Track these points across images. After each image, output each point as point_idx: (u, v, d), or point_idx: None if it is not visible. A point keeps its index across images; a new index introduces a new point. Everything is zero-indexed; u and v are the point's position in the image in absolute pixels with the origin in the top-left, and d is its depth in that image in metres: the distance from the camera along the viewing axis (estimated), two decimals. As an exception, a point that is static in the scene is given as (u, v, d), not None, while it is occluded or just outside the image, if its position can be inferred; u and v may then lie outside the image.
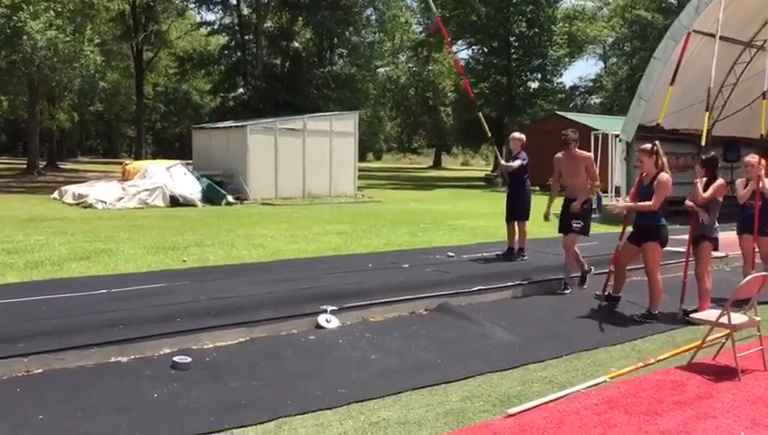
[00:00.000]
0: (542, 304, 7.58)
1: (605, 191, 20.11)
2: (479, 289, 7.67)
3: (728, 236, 8.52)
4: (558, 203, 8.69)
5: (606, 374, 5.27)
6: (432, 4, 13.23)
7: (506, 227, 10.22)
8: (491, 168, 54.29)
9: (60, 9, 27.40)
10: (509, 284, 8.07)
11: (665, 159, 7.05)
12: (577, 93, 66.63)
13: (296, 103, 38.81)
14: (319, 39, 47.37)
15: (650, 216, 6.92)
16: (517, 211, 9.94)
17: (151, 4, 42.28)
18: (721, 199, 7.21)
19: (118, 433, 3.91)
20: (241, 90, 47.51)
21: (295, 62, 45.62)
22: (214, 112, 48.03)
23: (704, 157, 7.42)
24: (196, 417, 4.14)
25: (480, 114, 12.14)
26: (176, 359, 4.95)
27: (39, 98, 38.77)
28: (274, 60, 47.03)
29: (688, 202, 7.30)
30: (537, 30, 43.24)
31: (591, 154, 8.97)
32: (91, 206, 19.07)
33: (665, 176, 6.89)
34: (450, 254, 10.32)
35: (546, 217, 8.79)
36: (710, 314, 5.95)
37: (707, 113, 9.34)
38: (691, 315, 6.38)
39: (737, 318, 5.51)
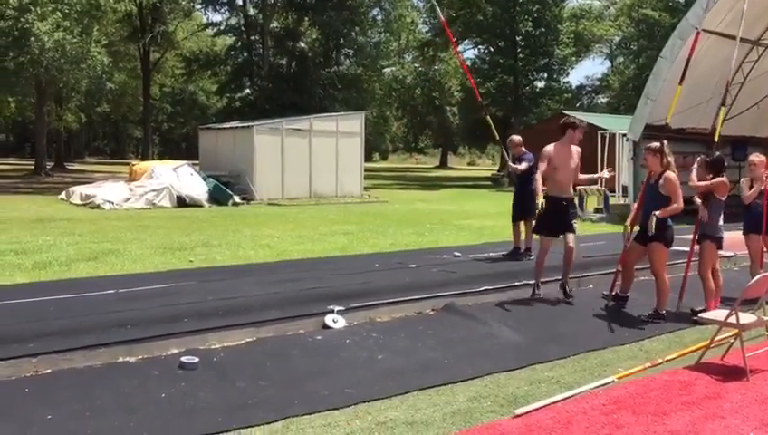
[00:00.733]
0: (550, 303, 7.56)
1: (612, 190, 20.08)
2: (486, 289, 7.66)
3: (735, 236, 8.49)
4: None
5: (614, 374, 5.25)
6: (438, 10, 13.17)
7: (512, 227, 10.19)
8: (497, 167, 54.21)
9: (67, 11, 27.52)
10: (516, 283, 8.05)
11: (671, 158, 7.03)
12: (584, 93, 66.51)
13: (302, 104, 38.84)
14: (325, 39, 47.40)
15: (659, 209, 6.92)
16: (524, 211, 9.83)
17: (158, 5, 42.40)
18: (723, 198, 7.17)
19: (126, 433, 3.92)
20: (247, 90, 47.60)
21: (301, 63, 45.67)
22: (220, 113, 48.11)
23: (708, 158, 7.39)
24: (203, 417, 4.15)
25: (488, 117, 12.10)
26: (183, 359, 4.96)
27: (46, 99, 38.93)
28: (281, 60, 47.09)
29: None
30: (543, 29, 43.20)
31: None
32: (98, 206, 19.14)
33: (671, 174, 6.87)
34: (457, 254, 10.31)
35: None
36: (718, 313, 5.93)
37: (722, 107, 9.28)
38: (699, 315, 6.36)
39: (746, 318, 5.49)
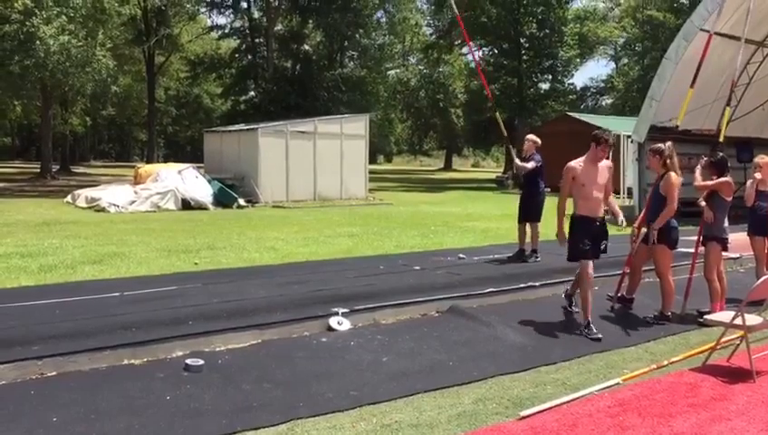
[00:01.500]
0: (554, 305, 7.54)
1: (617, 192, 20.04)
2: (490, 291, 7.65)
3: (741, 238, 8.47)
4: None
5: (619, 376, 5.24)
6: (453, 4, 13.09)
7: (518, 228, 10.19)
8: (502, 169, 54.19)
9: (72, 14, 27.58)
10: (521, 285, 8.04)
11: (675, 160, 7.01)
12: (588, 94, 66.44)
13: (307, 106, 38.90)
14: (329, 42, 47.47)
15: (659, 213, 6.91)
16: (530, 212, 9.93)
17: (163, 8, 42.51)
18: (729, 199, 7.16)
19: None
20: (252, 93, 47.66)
21: (306, 65, 45.74)
22: (225, 116, 48.20)
23: (712, 159, 7.37)
24: (208, 419, 4.15)
25: (497, 114, 12.14)
26: (188, 361, 4.97)
27: (52, 102, 39.05)
28: (285, 63, 47.17)
29: (696, 177, 7.29)
30: (548, 31, 43.18)
31: None
32: (103, 209, 19.17)
33: (671, 176, 6.85)
34: (461, 256, 10.30)
35: (562, 239, 6.76)
36: (724, 315, 5.91)
37: (727, 108, 9.26)
38: (705, 317, 6.34)
39: (752, 319, 5.47)
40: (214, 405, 4.36)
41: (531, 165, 9.79)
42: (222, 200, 20.96)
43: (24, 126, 61.99)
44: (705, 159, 7.54)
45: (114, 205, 19.42)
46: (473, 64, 56.76)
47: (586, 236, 6.48)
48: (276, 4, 44.74)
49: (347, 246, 11.96)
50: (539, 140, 10.12)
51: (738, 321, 5.36)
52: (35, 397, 4.32)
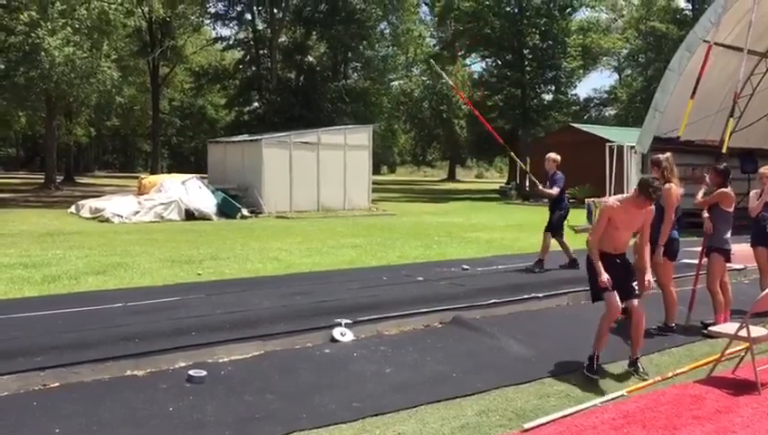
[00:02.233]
0: (558, 316, 7.52)
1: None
2: (494, 302, 7.63)
3: (746, 249, 8.44)
4: None
5: (624, 389, 5.21)
6: (445, 76, 13.26)
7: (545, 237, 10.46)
8: (505, 180, 54.17)
9: (77, 26, 27.74)
10: (524, 296, 8.02)
11: (675, 171, 6.99)
12: (591, 105, 66.54)
13: (310, 117, 38.98)
14: (333, 53, 47.63)
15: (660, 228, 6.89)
16: (548, 223, 10.33)
17: (167, 19, 42.69)
18: (730, 210, 7.14)
19: (133, 447, 3.91)
20: (256, 104, 47.79)
21: (310, 76, 45.87)
22: (229, 126, 48.31)
23: (716, 168, 7.36)
24: (211, 431, 4.14)
25: (492, 129, 12.30)
26: (191, 372, 4.96)
27: (56, 113, 39.21)
28: (289, 74, 47.32)
29: (697, 196, 7.29)
30: (551, 42, 43.26)
31: None
32: (107, 220, 19.20)
33: (668, 186, 6.83)
34: (465, 266, 10.28)
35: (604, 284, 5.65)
36: (729, 326, 5.89)
37: (731, 119, 9.26)
38: (709, 328, 6.32)
39: (757, 331, 5.45)
40: (216, 416, 4.35)
41: (555, 191, 10.15)
42: (225, 211, 20.99)
43: (29, 137, 62.19)
44: (709, 174, 7.52)
45: (118, 215, 19.45)
46: (476, 75, 56.99)
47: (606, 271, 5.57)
48: (280, 15, 44.94)
49: (350, 257, 11.95)
50: (559, 158, 10.39)
51: (743, 332, 5.34)
52: (38, 408, 4.31)
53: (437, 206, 31.41)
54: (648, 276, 5.87)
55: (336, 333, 6.22)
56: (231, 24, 48.79)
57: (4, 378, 4.55)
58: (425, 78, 61.95)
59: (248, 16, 47.21)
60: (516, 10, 42.86)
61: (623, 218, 5.63)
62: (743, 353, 5.64)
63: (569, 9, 43.79)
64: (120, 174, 63.12)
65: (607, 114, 65.48)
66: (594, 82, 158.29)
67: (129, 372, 5.01)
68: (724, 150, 8.21)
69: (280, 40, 45.86)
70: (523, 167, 14.81)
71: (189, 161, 65.73)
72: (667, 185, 6.85)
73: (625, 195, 5.87)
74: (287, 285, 8.67)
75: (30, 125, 49.35)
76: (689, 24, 33.95)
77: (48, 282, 9.17)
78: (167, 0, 37.49)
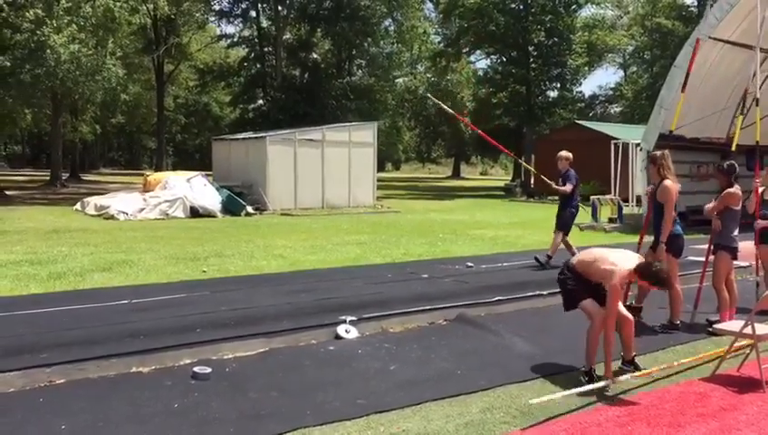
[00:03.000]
0: (563, 314, 7.50)
1: (626, 200, 19.99)
2: (498, 299, 7.64)
3: (751, 246, 8.42)
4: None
5: (628, 385, 5.21)
6: (445, 107, 13.29)
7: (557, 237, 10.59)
8: (510, 177, 54.10)
9: (82, 23, 27.75)
10: (528, 294, 8.02)
11: (671, 167, 6.97)
12: (597, 102, 66.38)
13: (315, 114, 39.00)
14: (337, 50, 47.63)
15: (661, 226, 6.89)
16: (557, 221, 10.60)
17: (172, 17, 42.76)
18: (738, 208, 7.12)
19: (138, 443, 3.93)
20: (260, 101, 47.85)
21: (314, 74, 45.90)
22: (233, 124, 48.39)
23: (720, 165, 7.34)
24: (215, 428, 4.15)
25: (499, 145, 12.62)
26: (196, 369, 4.97)
27: (62, 111, 39.31)
28: (293, 71, 47.35)
29: (707, 206, 7.26)
30: (556, 39, 43.15)
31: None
32: (112, 217, 19.25)
33: (666, 183, 6.82)
34: (469, 264, 10.29)
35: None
36: (734, 324, 5.88)
37: (741, 117, 9.24)
38: (714, 326, 6.30)
39: (762, 329, 5.43)
40: (221, 413, 4.36)
41: (568, 187, 10.39)
42: (230, 208, 21.02)
43: (35, 134, 62.42)
44: (718, 165, 7.49)
45: (123, 212, 19.50)
46: (480, 72, 56.87)
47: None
48: (285, 13, 44.95)
49: (355, 254, 11.96)
50: (571, 156, 10.61)
51: (748, 330, 5.32)
52: (44, 405, 4.33)
53: (442, 203, 31.40)
54: None
55: (340, 330, 6.23)
56: (236, 22, 48.97)
57: (11, 374, 4.57)
58: (429, 75, 61.86)
59: (253, 14, 47.27)
60: (521, 7, 42.76)
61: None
62: (748, 351, 5.63)
63: (574, 6, 43.65)
64: (125, 171, 63.25)
65: (612, 111, 65.33)
66: (599, 79, 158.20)
67: (134, 369, 5.02)
68: (733, 148, 8.18)
69: (284, 37, 45.88)
70: (530, 169, 14.88)
71: (194, 158, 65.85)
72: (663, 182, 6.84)
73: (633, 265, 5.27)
74: (292, 282, 8.69)
75: (36, 123, 49.45)
76: (695, 21, 33.81)
77: (54, 279, 9.20)
78: (172, -3, 37.54)
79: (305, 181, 23.49)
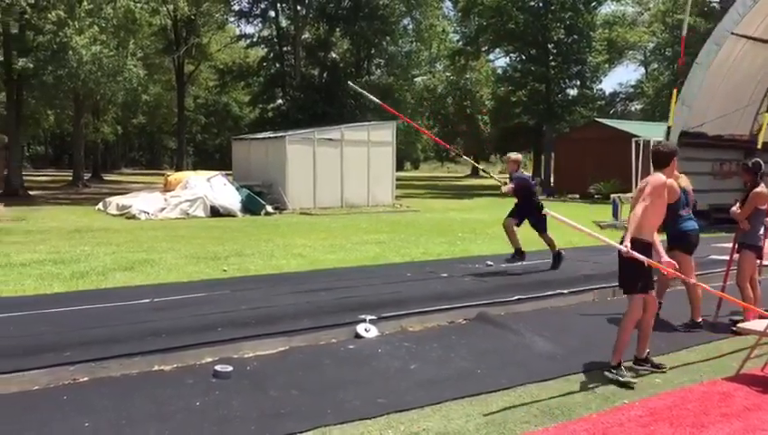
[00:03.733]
0: (583, 313, 7.47)
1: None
2: (518, 298, 7.60)
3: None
4: None
5: (650, 388, 5.16)
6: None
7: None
8: (530, 176, 53.76)
9: (104, 24, 28.01)
10: (549, 293, 7.97)
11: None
12: (617, 100, 65.84)
13: (334, 113, 39.08)
14: (356, 49, 47.67)
15: (674, 222, 6.82)
16: (536, 225, 9.96)
17: (192, 18, 43.02)
18: (764, 207, 7.03)
19: (161, 441, 3.96)
20: (279, 101, 48.02)
21: (333, 73, 45.98)
22: (253, 123, 48.60)
23: (746, 163, 7.25)
24: (237, 425, 4.18)
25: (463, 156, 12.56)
26: (217, 368, 5.01)
27: (84, 111, 39.72)
28: (312, 71, 47.47)
29: (733, 209, 7.16)
30: (576, 36, 42.89)
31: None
32: (134, 216, 19.41)
33: (671, 181, 6.65)
34: (489, 263, 10.26)
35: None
36: (758, 323, 5.81)
37: (766, 114, 9.14)
38: (738, 325, 6.23)
39: (786, 328, 5.37)
40: (242, 411, 4.39)
41: (508, 188, 9.91)
42: (250, 207, 21.11)
43: (57, 135, 63.17)
44: (742, 163, 7.39)
45: (144, 212, 19.66)
46: (500, 71, 56.62)
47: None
48: (304, 12, 45.09)
49: (374, 253, 11.96)
50: (520, 157, 10.31)
51: (772, 330, 5.26)
52: (68, 402, 4.38)
53: (461, 202, 31.32)
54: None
55: (360, 329, 6.24)
56: (255, 22, 49.16)
57: (35, 372, 4.63)
58: (448, 74, 61.71)
59: (272, 14, 47.44)
60: (540, 4, 42.55)
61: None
62: (772, 351, 5.57)
63: (594, 3, 43.37)
64: (146, 171, 63.77)
65: (633, 109, 64.75)
66: (620, 77, 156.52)
67: (156, 368, 5.06)
68: (759, 146, 8.08)
69: (303, 37, 46.01)
70: (475, 164, 14.72)
71: (214, 158, 66.25)
72: (670, 180, 6.74)
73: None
74: (311, 281, 8.71)
75: (58, 123, 50.11)
76: (717, 17, 33.40)
77: (77, 278, 9.30)
78: (192, -2, 37.79)
79: (324, 180, 23.54)
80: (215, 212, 20.34)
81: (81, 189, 35.62)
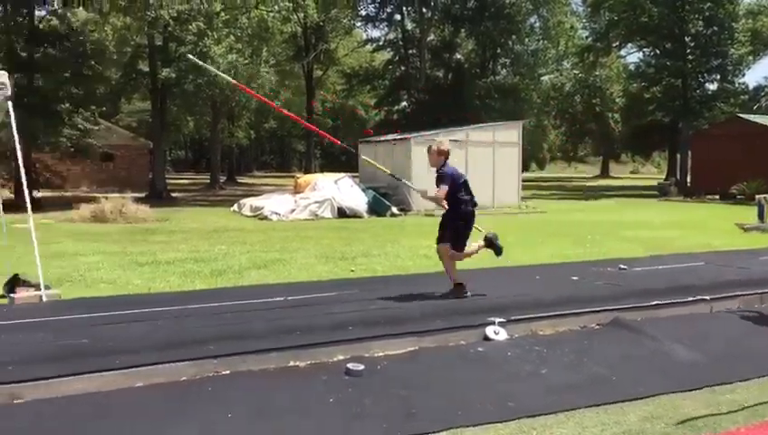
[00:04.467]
0: (728, 320, 7.02)
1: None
2: (656, 304, 7.26)
3: None
4: None
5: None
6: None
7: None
8: (664, 176, 51.36)
9: (239, 34, 29.45)
10: (690, 299, 7.56)
11: None
12: (762, 94, 61.56)
13: (459, 115, 39.01)
14: (481, 49, 47.37)
15: None
16: (442, 232, 7.77)
17: (321, 24, 44.29)
18: None
19: (305, 433, 4.10)
20: (404, 103, 48.51)
21: (458, 74, 45.93)
22: (378, 126, 49.36)
23: None
24: (369, 423, 4.24)
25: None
26: (349, 366, 5.11)
27: (220, 117, 41.84)
28: (437, 72, 47.66)
29: None
30: (716, 28, 40.51)
31: None
32: (266, 217, 20.22)
33: None
34: (622, 266, 9.86)
35: None
36: None
37: None
38: None
39: None
40: (374, 410, 4.45)
41: (441, 192, 7.56)
42: (376, 209, 21.45)
43: (196, 140, 66.90)
44: None
45: (276, 213, 20.43)
46: (632, 67, 54.42)
47: None
48: (429, 14, 45.33)
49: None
50: (446, 147, 7.77)
51: None
52: (212, 393, 4.61)
53: (590, 203, 30.39)
54: None
55: (489, 331, 6.17)
56: (381, 26, 49.91)
57: (183, 364, 4.91)
58: (576, 71, 60.04)
59: (398, 17, 48.03)
60: (677, -4, 40.53)
61: None
62: None
63: (736, -8, 40.83)
64: (276, 173, 66.26)
65: (780, 104, 60.29)
66: (766, 70, 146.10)
67: (291, 363, 5.23)
68: None
69: (428, 39, 46.26)
70: (375, 165, 11.73)
71: (340, 160, 67.80)
72: None
73: None
74: (437, 282, 8.71)
75: (197, 129, 53.07)
76: None
77: (216, 275, 9.80)
78: (320, 5, 38.90)
79: (449, 182, 23.51)
80: (341, 213, 20.82)
81: (217, 191, 37.55)
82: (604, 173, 74.20)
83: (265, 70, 31.99)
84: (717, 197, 30.56)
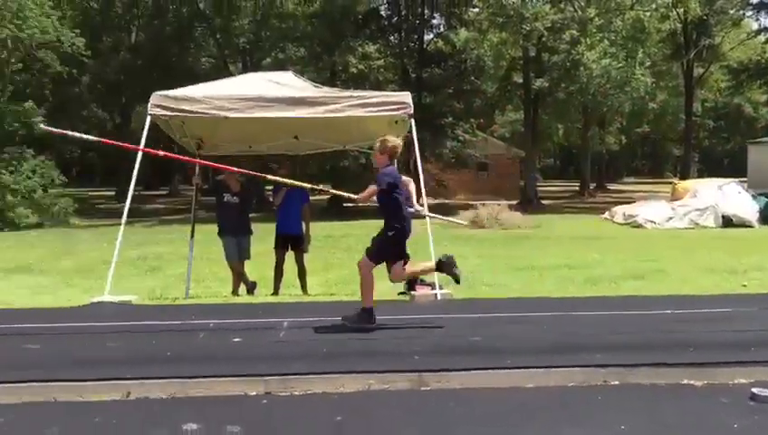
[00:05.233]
0: None
1: None
2: None
3: None
4: None
5: None
6: None
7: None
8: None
9: (613, 38, 28.85)
10: None
11: None
12: None
13: None
14: None
15: None
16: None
17: (704, 18, 41.07)
18: None
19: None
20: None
21: None
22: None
23: None
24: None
25: None
26: (755, 390, 4.61)
27: (591, 124, 41.44)
28: None
29: None
30: None
31: None
32: (640, 226, 19.49)
33: None
34: None
35: None
36: None
37: None
38: None
39: None
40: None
41: (362, 195, 6.24)
42: (768, 218, 19.25)
43: (564, 147, 67.18)
44: None
45: (651, 221, 19.58)
46: None
47: None
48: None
49: None
50: (394, 144, 6.10)
51: None
52: (601, 402, 4.55)
53: None
54: None
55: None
56: (774, 13, 44.40)
57: (569, 370, 4.95)
58: None
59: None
60: None
61: None
62: None
63: None
64: (647, 180, 63.30)
65: None
66: None
67: (685, 381, 4.91)
68: None
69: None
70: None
71: (722, 164, 62.19)
72: None
73: None
74: None
75: (566, 136, 53.36)
76: None
77: (590, 283, 9.75)
78: (704, -3, 36.20)
79: None
80: (727, 222, 19.16)
81: (586, 198, 37.29)
82: None
83: (640, 72, 30.72)
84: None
